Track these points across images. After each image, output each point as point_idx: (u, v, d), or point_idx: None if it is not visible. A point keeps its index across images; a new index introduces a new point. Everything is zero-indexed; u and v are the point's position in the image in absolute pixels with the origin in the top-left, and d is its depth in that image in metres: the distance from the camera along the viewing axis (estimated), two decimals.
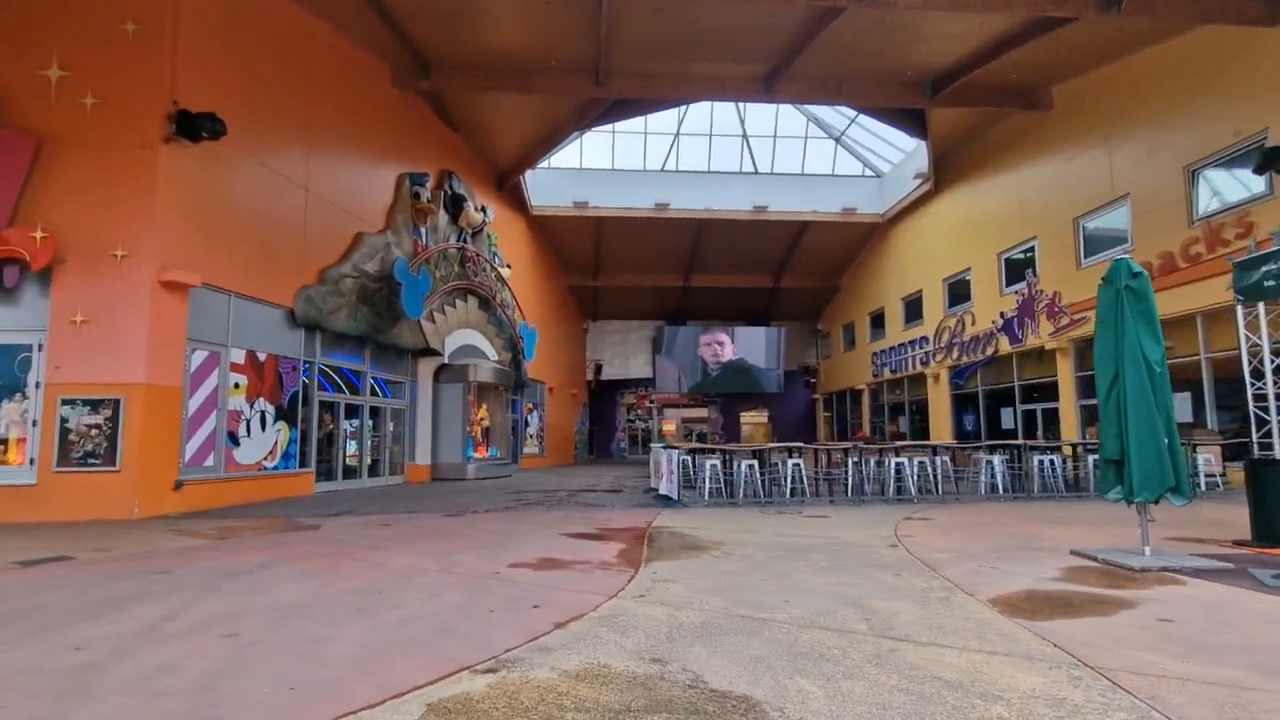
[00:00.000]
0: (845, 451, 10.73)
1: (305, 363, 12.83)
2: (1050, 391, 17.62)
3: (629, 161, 25.65)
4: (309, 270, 12.87)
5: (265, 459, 11.74)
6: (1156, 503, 5.39)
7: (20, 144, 9.30)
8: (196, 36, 10.40)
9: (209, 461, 10.52)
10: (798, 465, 10.18)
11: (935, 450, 10.83)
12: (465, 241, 18.66)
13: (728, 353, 34.24)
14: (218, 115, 9.88)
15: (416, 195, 16.45)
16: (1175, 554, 5.54)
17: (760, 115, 25.17)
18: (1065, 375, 16.85)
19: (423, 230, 16.75)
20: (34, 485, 9.06)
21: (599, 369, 34.38)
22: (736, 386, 34.78)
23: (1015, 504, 9.91)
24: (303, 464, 12.69)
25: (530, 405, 24.85)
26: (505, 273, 21.05)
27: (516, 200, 23.74)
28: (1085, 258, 16.31)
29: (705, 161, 25.76)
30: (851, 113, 23.80)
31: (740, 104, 24.15)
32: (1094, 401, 16.12)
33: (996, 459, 10.55)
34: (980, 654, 3.11)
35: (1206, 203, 13.32)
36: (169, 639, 3.55)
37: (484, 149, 20.64)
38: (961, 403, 21.87)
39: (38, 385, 9.28)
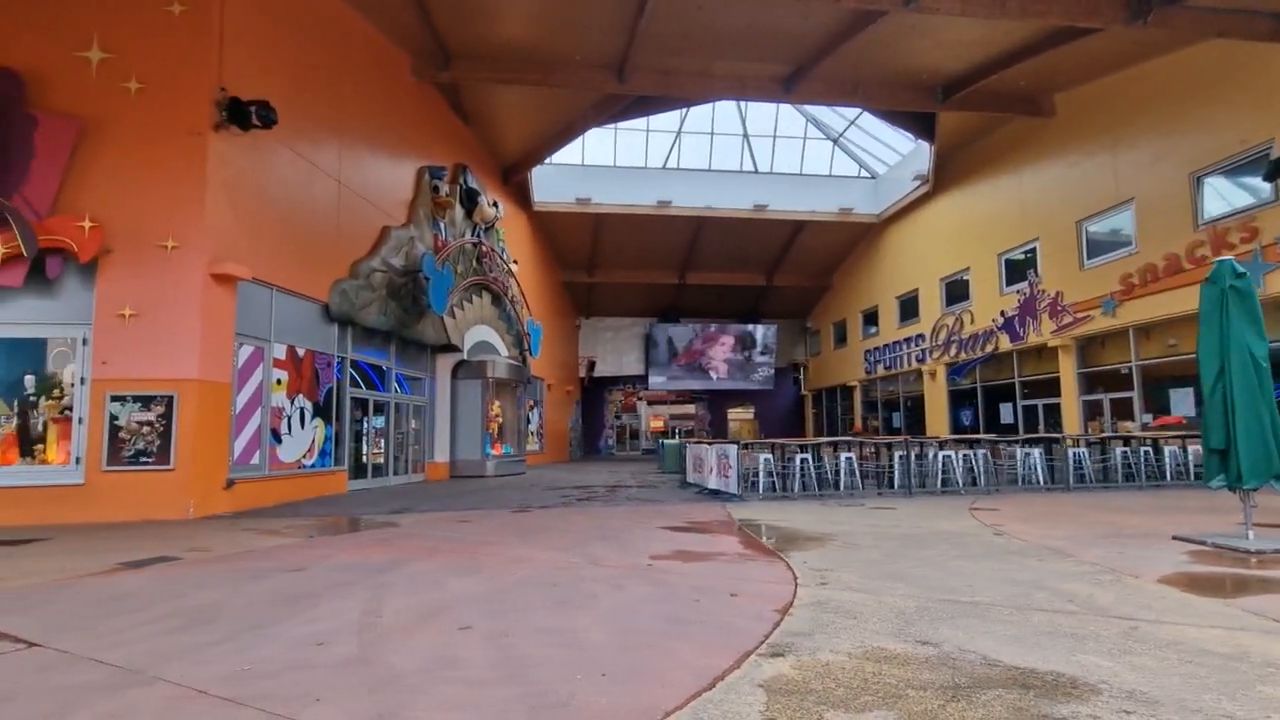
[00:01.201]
0: (889, 446, 11.01)
1: (339, 359, 12.55)
2: (1050, 387, 18.31)
3: (631, 158, 25.68)
4: (341, 264, 12.59)
5: (304, 457, 11.47)
6: (1258, 490, 5.73)
7: (61, 129, 8.88)
8: (242, 20, 10.08)
9: (255, 460, 10.23)
10: (849, 459, 10.42)
11: (973, 444, 11.20)
12: (479, 237, 18.45)
13: (727, 350, 34.57)
14: (270, 103, 9.59)
15: (435, 189, 16.22)
16: (1273, 538, 5.90)
17: (761, 115, 25.48)
18: (1068, 372, 17.54)
19: (441, 224, 16.51)
20: (81, 485, 8.69)
21: (592, 366, 34.31)
22: (719, 383, 35.15)
23: (1063, 495, 10.33)
24: (337, 462, 12.41)
25: (531, 402, 24.67)
26: (513, 268, 20.88)
27: (519, 196, 23.53)
28: (1088, 259, 16.99)
29: (706, 160, 25.93)
30: (850, 114, 24.30)
31: (742, 103, 24.40)
32: (1096, 397, 16.92)
33: (1036, 452, 10.98)
34: (1220, 630, 3.31)
35: (1212, 208, 14.03)
36: (405, 631, 3.51)
37: (491, 143, 20.41)
38: (959, 398, 22.54)
39: (83, 381, 8.89)
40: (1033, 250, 18.91)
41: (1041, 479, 10.91)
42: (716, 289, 32.31)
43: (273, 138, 10.50)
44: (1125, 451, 11.46)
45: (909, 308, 25.20)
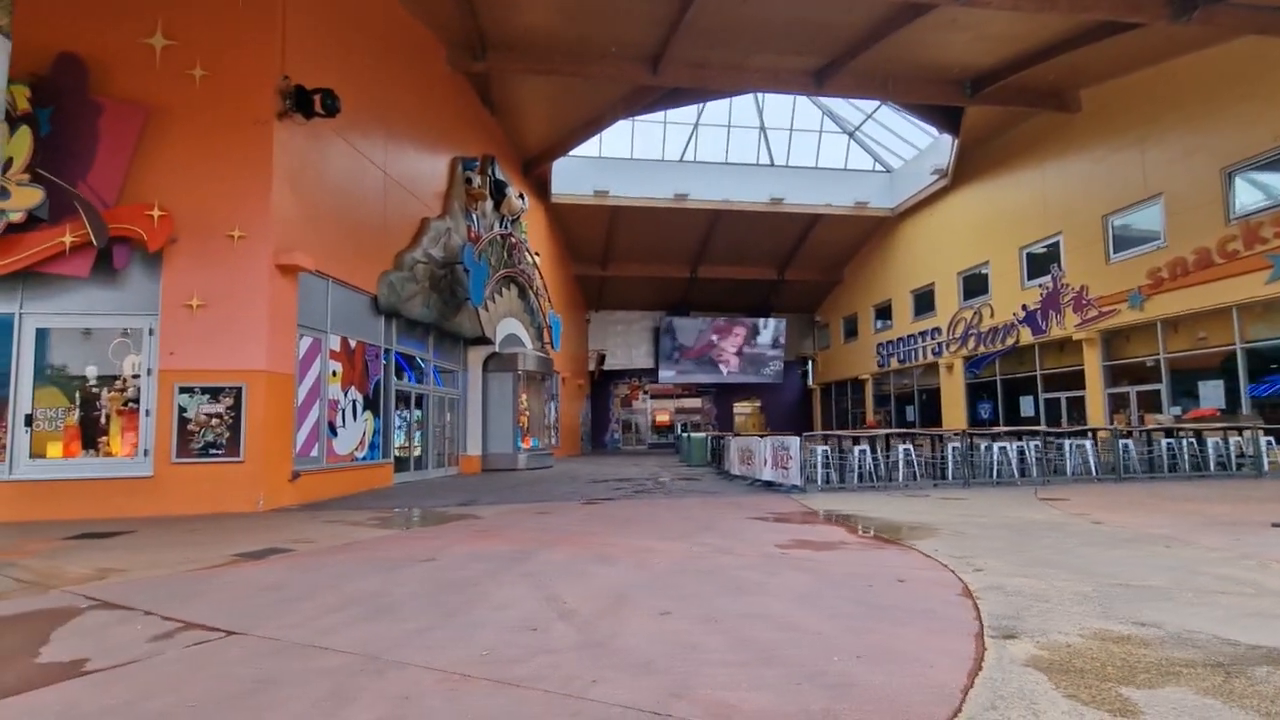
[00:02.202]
0: (942, 438, 11.13)
1: (385, 351, 12.47)
2: (1073, 380, 18.56)
3: (648, 150, 25.62)
4: (387, 256, 12.49)
5: (356, 449, 11.39)
6: None
7: (127, 116, 8.73)
8: (301, 6, 9.94)
9: (314, 452, 10.16)
10: (907, 450, 10.53)
11: (1022, 436, 11.36)
12: (507, 229, 18.35)
13: (737, 344, 34.71)
14: (334, 91, 9.48)
15: (469, 180, 16.11)
16: None
17: (777, 107, 25.51)
18: (1092, 364, 17.78)
19: (474, 216, 16.41)
20: (150, 477, 8.58)
21: (602, 359, 34.30)
22: (729, 377, 35.31)
23: (1117, 485, 10.49)
24: (384, 455, 12.34)
25: (548, 396, 24.63)
26: (536, 260, 20.81)
27: (538, 188, 23.42)
28: (1114, 253, 17.21)
29: (723, 152, 25.93)
30: (867, 108, 24.41)
31: (761, 95, 24.39)
32: (1121, 389, 17.17)
33: (1088, 444, 11.15)
34: None
35: (1244, 201, 14.25)
36: (608, 617, 3.51)
37: (514, 135, 20.30)
38: (976, 391, 22.79)
39: (149, 372, 8.77)
40: (1055, 244, 19.11)
41: (1094, 470, 11.08)
42: (728, 283, 32.40)
43: (328, 127, 10.38)
44: (1170, 443, 11.66)
45: (924, 301, 25.40)
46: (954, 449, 10.84)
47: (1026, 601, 3.68)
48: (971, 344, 22.46)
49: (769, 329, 34.65)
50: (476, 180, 16.27)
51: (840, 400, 33.38)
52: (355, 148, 11.38)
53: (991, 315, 21.57)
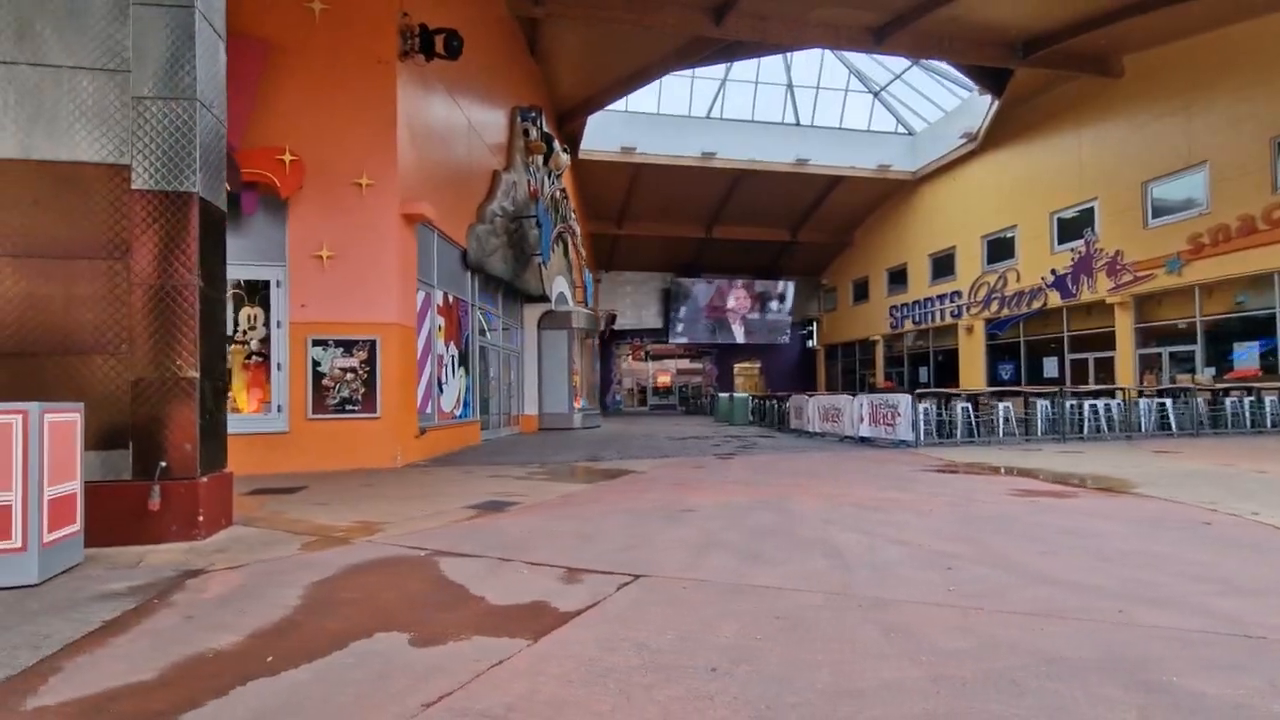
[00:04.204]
0: (1038, 396, 11.53)
1: (473, 306, 12.21)
2: (1100, 341, 19.29)
3: (674, 106, 25.11)
4: (470, 208, 12.12)
5: (454, 407, 11.24)
6: None
7: (248, 52, 8.16)
8: None
9: (428, 408, 9.99)
10: (1008, 408, 10.91)
11: (1112, 394, 11.87)
12: (554, 183, 17.93)
13: (746, 305, 34.89)
14: (458, 32, 9.04)
15: (525, 132, 15.62)
16: None
17: (804, 64, 25.21)
18: (1124, 327, 18.47)
19: (531, 169, 15.97)
20: (286, 433, 8.35)
21: (613, 319, 34.09)
22: (735, 338, 35.61)
23: (1200, 439, 11.09)
24: (474, 412, 12.20)
25: (594, 355, 24.50)
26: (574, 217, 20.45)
27: (568, 143, 22.82)
28: (1152, 219, 17.74)
29: (749, 109, 25.60)
30: (896, 67, 24.32)
31: (783, 54, 24.03)
32: (1152, 350, 17.94)
33: (1169, 401, 11.71)
34: None
35: None
36: (999, 559, 3.65)
37: (553, 86, 19.65)
38: (996, 352, 23.50)
39: (278, 325, 8.44)
40: (1089, 209, 19.58)
41: (1174, 426, 11.67)
42: (740, 244, 32.34)
43: (431, 70, 9.92)
44: (1233, 401, 12.32)
45: (943, 265, 25.85)
46: (1044, 407, 11.24)
47: None
48: (995, 307, 23.04)
49: (780, 291, 34.86)
50: (533, 132, 15.78)
51: (846, 361, 34.01)
52: (449, 93, 10.92)
53: (1018, 279, 22.11)
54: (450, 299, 11.01)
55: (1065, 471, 7.27)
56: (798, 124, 26.21)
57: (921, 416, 10.69)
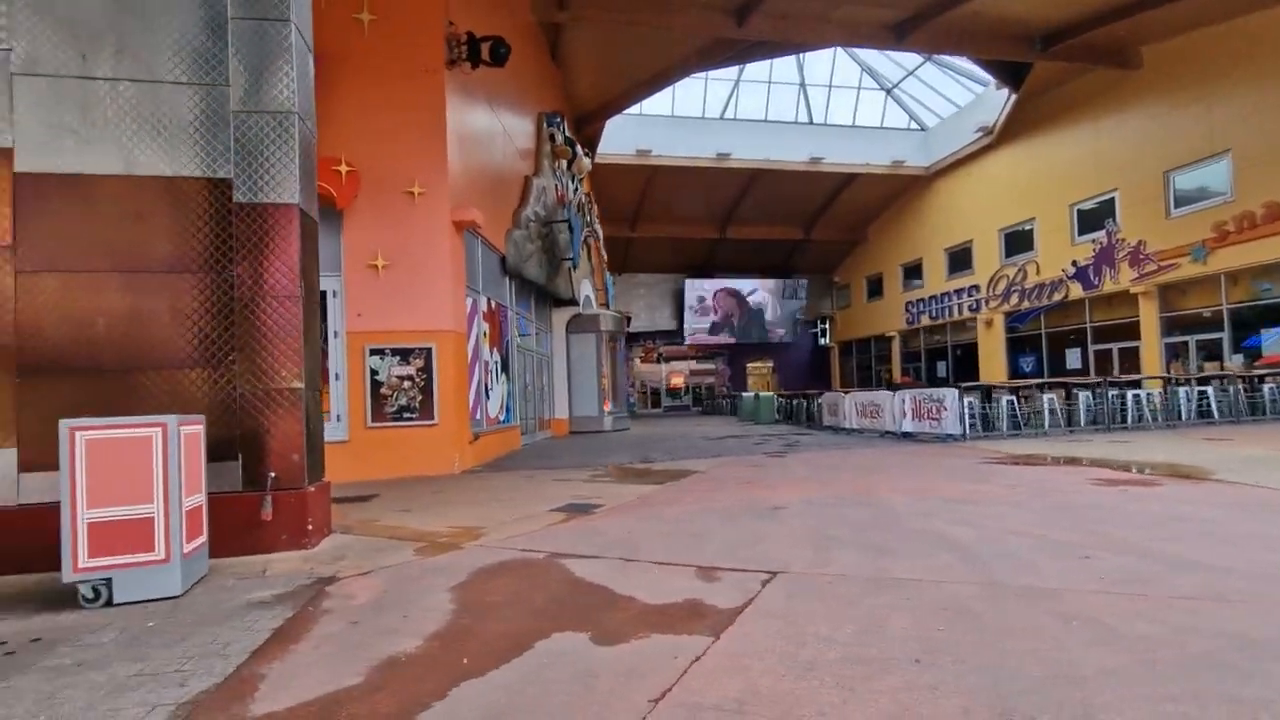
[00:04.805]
0: (1080, 387, 11.54)
1: (511, 311, 12.26)
2: (1123, 332, 19.29)
3: (688, 108, 25.18)
4: (506, 213, 12.18)
5: (499, 412, 11.28)
6: None
7: None
8: None
9: (477, 414, 10.03)
10: (1051, 399, 10.93)
11: (1140, 383, 11.88)
12: (577, 187, 17.99)
13: (748, 304, 34.95)
14: (504, 39, 9.09)
15: (552, 137, 15.68)
16: None
17: (816, 63, 25.26)
18: (1149, 317, 18.47)
19: (557, 173, 16.03)
20: (346, 442, 8.39)
21: (628, 321, 34.12)
22: (750, 337, 35.67)
23: (1246, 426, 11.10)
24: (513, 418, 12.24)
25: (621, 357, 24.53)
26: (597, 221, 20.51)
27: (585, 147, 22.89)
28: (1175, 208, 17.76)
29: (762, 109, 25.67)
30: (909, 64, 24.38)
31: (800, 54, 24.09)
32: (1179, 339, 17.93)
33: (1210, 389, 11.72)
34: None
35: None
36: (1146, 546, 3.68)
37: (571, 90, 19.72)
38: (1016, 345, 23.51)
39: (335, 334, 8.49)
40: (1110, 200, 19.60)
41: (1215, 413, 11.69)
42: (754, 243, 32.40)
43: (473, 77, 9.97)
44: (1272, 388, 12.32)
45: (960, 259, 25.88)
46: (1085, 397, 11.26)
47: None
48: (1015, 300, 23.06)
49: (794, 289, 34.91)
50: (559, 137, 15.85)
51: (861, 357, 34.03)
52: (486, 100, 10.98)
53: (1038, 271, 22.12)
54: (493, 304, 11.06)
55: (1132, 460, 7.29)
56: (811, 122, 26.27)
57: (967, 410, 10.71)
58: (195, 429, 3.89)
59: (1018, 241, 23.20)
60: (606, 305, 21.52)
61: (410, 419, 8.53)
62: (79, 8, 4.35)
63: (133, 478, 3.44)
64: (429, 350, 8.59)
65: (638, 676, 2.30)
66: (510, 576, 3.67)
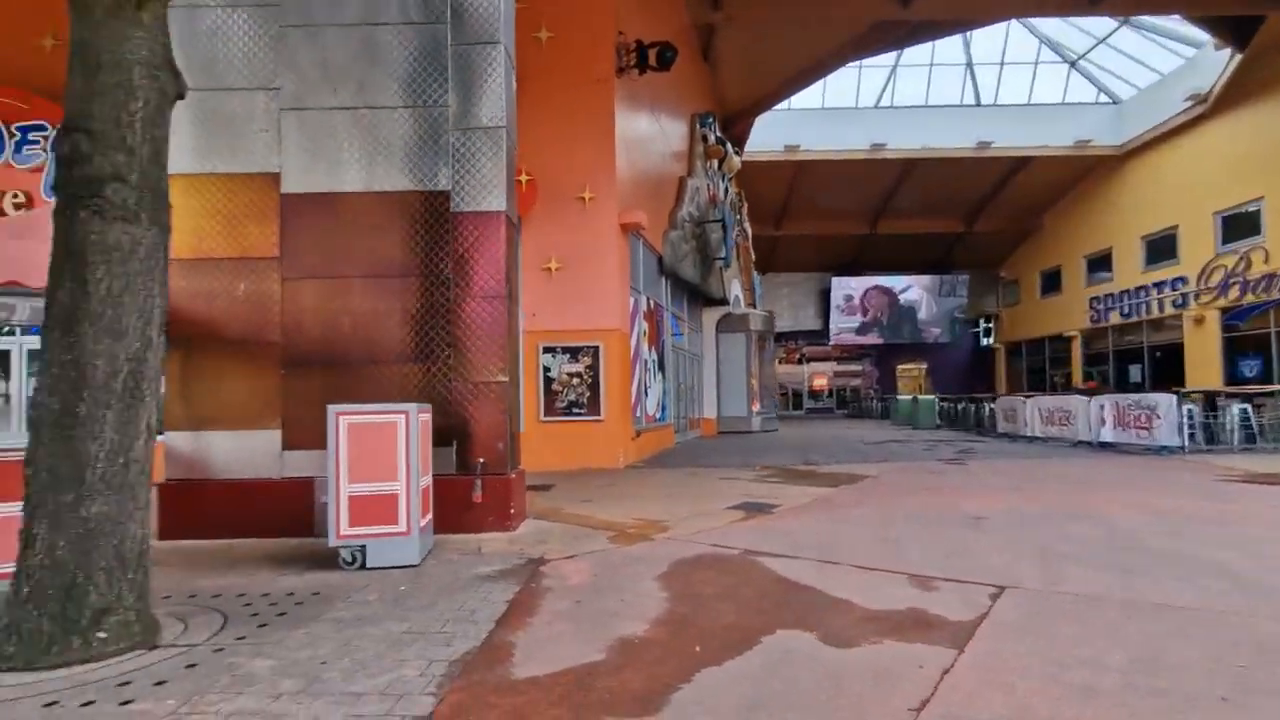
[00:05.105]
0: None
1: (666, 311, 12.47)
2: None
3: (840, 99, 24.21)
4: (662, 214, 12.37)
5: (655, 410, 11.51)
6: None
7: None
8: None
9: (637, 411, 10.29)
10: (1244, 409, 9.28)
11: None
12: (728, 186, 17.93)
13: (899, 302, 33.01)
14: (672, 44, 9.26)
15: (705, 137, 15.73)
16: None
17: (985, 41, 23.26)
18: None
19: (709, 173, 16.07)
20: (522, 434, 8.91)
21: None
22: (900, 337, 33.61)
23: None
24: (668, 416, 12.43)
25: (770, 357, 24.26)
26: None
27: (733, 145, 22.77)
28: None
29: (923, 95, 24.08)
30: (1098, 32, 21.72)
31: (967, 32, 22.29)
32: None
33: None
34: None
35: None
36: None
37: (721, 89, 19.66)
38: (1237, 346, 20.16)
39: None
40: None
41: None
42: (907, 238, 30.49)
43: (638, 83, 10.23)
44: None
45: (1161, 248, 22.64)
46: None
47: None
48: (1234, 293, 19.78)
49: (952, 286, 32.50)
50: (711, 136, 15.88)
51: (1032, 359, 30.89)
52: (647, 104, 11.23)
53: (1265, 260, 18.82)
54: (651, 304, 11.30)
55: None
56: (978, 104, 24.26)
57: (1185, 419, 9.34)
58: (425, 417, 4.31)
59: (1239, 225, 19.87)
60: (754, 305, 21.26)
61: (579, 414, 8.93)
62: (330, 50, 4.99)
63: (381, 458, 3.88)
64: (596, 348, 8.94)
65: (887, 683, 2.22)
66: (711, 570, 3.70)
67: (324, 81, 4.97)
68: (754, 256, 21.21)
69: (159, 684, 2.32)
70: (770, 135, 23.77)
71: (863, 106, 24.33)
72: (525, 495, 5.34)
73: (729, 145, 17.66)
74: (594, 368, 8.94)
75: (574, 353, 8.96)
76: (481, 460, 4.88)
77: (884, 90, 24.07)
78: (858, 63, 23.17)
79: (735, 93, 20.10)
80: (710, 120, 15.96)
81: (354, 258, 4.98)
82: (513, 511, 4.92)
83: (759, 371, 18.35)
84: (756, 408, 17.56)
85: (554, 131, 9.05)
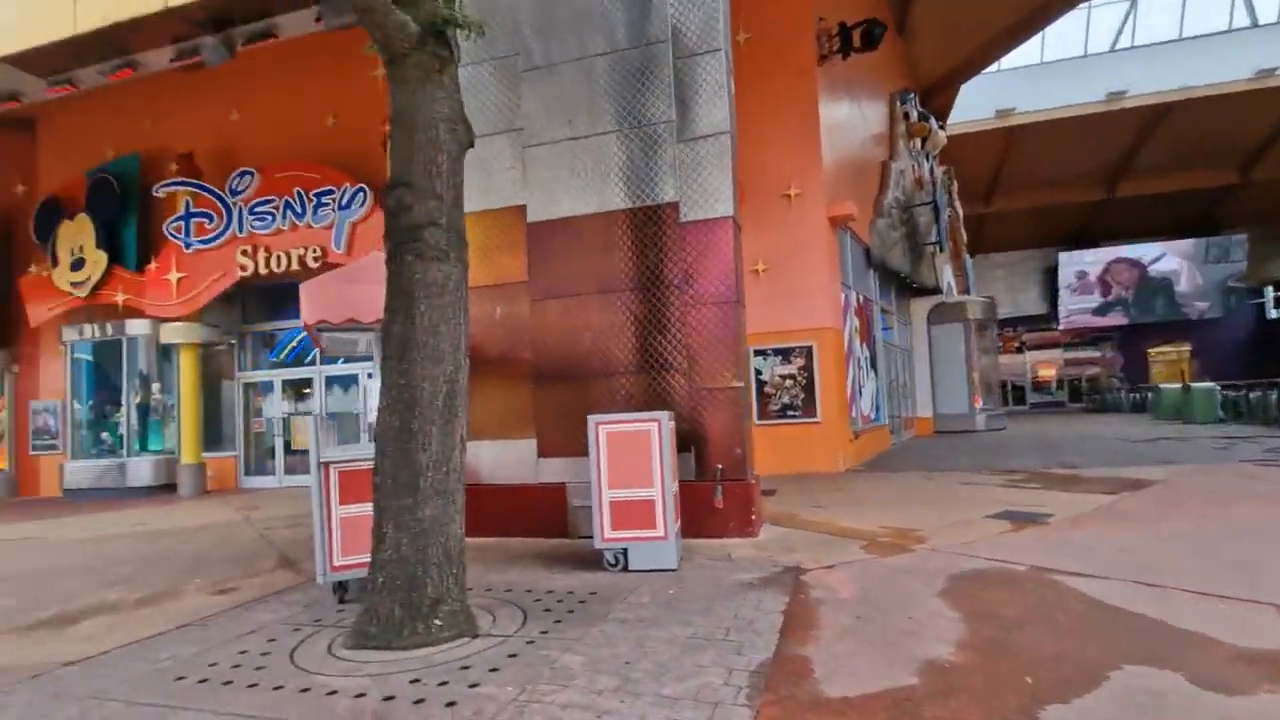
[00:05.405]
0: None
1: (876, 305, 11.76)
2: None
3: (1063, 49, 21.20)
4: (867, 202, 11.66)
5: (869, 410, 10.87)
6: None
7: None
8: None
9: (853, 411, 9.78)
10: None
11: None
12: (933, 164, 16.50)
13: (1148, 274, 28.01)
14: (878, 19, 8.74)
15: (906, 115, 14.61)
16: None
17: None
18: None
19: (912, 153, 14.91)
20: None
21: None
22: (1151, 315, 28.38)
23: None
24: (882, 416, 11.69)
25: (992, 348, 22.12)
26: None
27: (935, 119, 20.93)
28: None
29: (1175, 27, 20.26)
30: None
31: None
32: None
33: None
34: None
35: None
36: None
37: (919, 61, 18.13)
38: None
39: None
40: None
41: None
42: (1154, 199, 25.82)
43: (836, 70, 9.75)
44: None
45: None
46: None
47: None
48: None
49: (1223, 249, 26.92)
50: (913, 114, 14.72)
51: None
52: (847, 89, 10.68)
53: None
54: (860, 299, 10.71)
55: None
56: (1254, 25, 19.85)
57: None
58: (671, 424, 4.42)
59: None
60: (967, 291, 19.32)
61: (793, 416, 8.70)
62: (563, 86, 5.35)
63: (638, 465, 4.04)
64: (809, 348, 8.65)
65: None
66: (1002, 589, 3.33)
67: (560, 115, 5.34)
68: (964, 238, 19.27)
69: (493, 670, 2.58)
70: (976, 103, 21.51)
71: (1094, 53, 21.08)
72: (761, 501, 5.27)
73: (932, 120, 16.25)
74: (807, 368, 8.66)
75: (785, 354, 8.76)
76: (720, 466, 4.90)
77: (1121, 28, 20.64)
78: (1085, 7, 20.18)
79: (934, 62, 18.43)
80: (911, 97, 14.82)
81: (592, 276, 5.27)
82: (754, 517, 4.87)
83: (980, 364, 16.61)
84: (979, 404, 15.88)
85: (755, 130, 8.90)
